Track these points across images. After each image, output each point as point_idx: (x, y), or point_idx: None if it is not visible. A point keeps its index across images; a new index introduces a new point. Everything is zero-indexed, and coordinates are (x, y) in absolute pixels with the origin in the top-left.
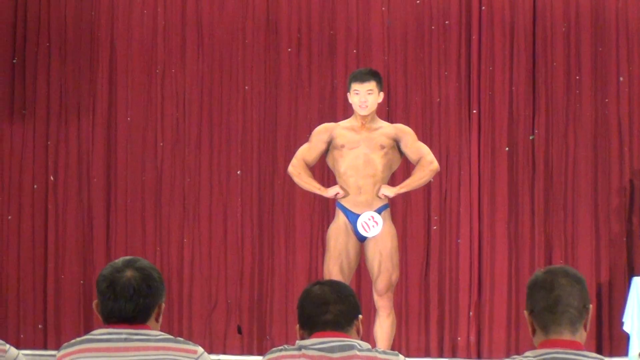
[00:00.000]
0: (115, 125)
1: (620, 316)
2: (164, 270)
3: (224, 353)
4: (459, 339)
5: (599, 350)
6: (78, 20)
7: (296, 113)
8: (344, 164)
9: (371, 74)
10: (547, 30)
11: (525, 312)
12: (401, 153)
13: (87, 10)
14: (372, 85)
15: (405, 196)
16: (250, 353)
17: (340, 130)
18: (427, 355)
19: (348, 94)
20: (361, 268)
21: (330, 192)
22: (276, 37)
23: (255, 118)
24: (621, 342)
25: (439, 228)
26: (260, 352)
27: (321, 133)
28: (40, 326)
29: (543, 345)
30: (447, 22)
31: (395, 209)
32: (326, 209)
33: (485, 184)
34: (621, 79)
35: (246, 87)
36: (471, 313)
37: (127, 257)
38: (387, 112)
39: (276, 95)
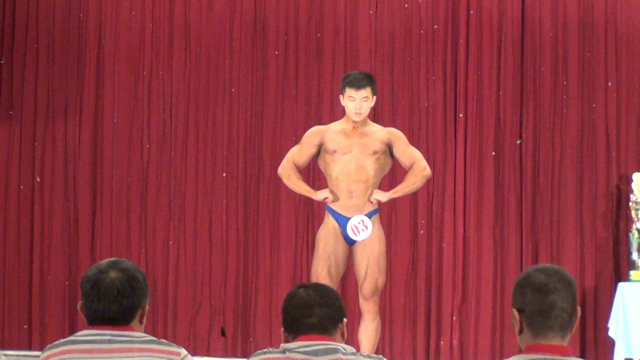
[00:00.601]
0: (101, 127)
1: (606, 321)
2: (148, 271)
3: (208, 355)
4: (441, 343)
5: (584, 356)
6: (66, 21)
7: (282, 115)
8: (336, 168)
9: (367, 80)
10: (535, 35)
11: (514, 310)
12: (393, 157)
13: (74, 11)
14: (367, 92)
15: (392, 200)
16: (234, 355)
17: (332, 134)
18: (414, 359)
19: (341, 96)
20: (346, 271)
21: (319, 196)
22: (263, 39)
23: (241, 120)
24: (606, 348)
25: (425, 232)
26: (244, 355)
27: (312, 136)
28: (25, 326)
29: (530, 349)
30: (435, 26)
31: (382, 213)
32: (311, 211)
33: (472, 188)
34: (609, 84)
35: (233, 89)
36: (454, 317)
37: (112, 259)
38: (373, 115)
39: (262, 97)
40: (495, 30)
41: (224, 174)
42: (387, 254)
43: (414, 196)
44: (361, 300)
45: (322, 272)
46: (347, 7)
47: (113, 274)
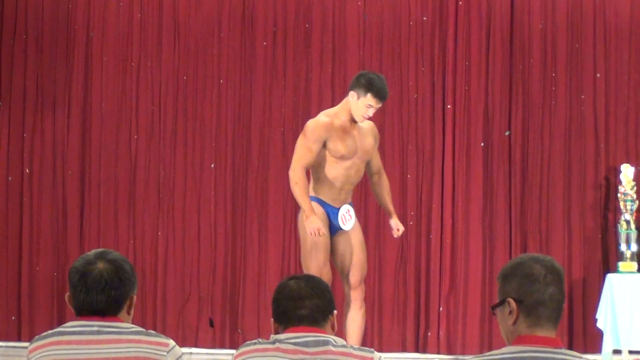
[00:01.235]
0: (90, 118)
1: (594, 313)
2: (137, 262)
3: (196, 346)
4: (429, 334)
5: (571, 347)
6: (54, 12)
7: (270, 107)
8: (335, 170)
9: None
10: (524, 26)
11: (509, 300)
12: None
13: (63, 2)
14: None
15: None
16: (222, 346)
17: (336, 132)
18: (403, 350)
19: (354, 94)
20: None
21: (313, 225)
22: (252, 30)
23: (229, 111)
24: (595, 339)
25: (414, 223)
26: (232, 346)
27: (320, 133)
28: (13, 318)
29: (519, 341)
30: (424, 17)
31: (371, 204)
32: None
33: (460, 179)
34: (598, 75)
35: (221, 81)
36: (441, 308)
37: (99, 250)
38: None
39: (251, 88)
40: (484, 21)
41: (212, 165)
42: (376, 245)
43: (402, 187)
44: (348, 290)
45: (326, 265)
46: None
47: (101, 265)
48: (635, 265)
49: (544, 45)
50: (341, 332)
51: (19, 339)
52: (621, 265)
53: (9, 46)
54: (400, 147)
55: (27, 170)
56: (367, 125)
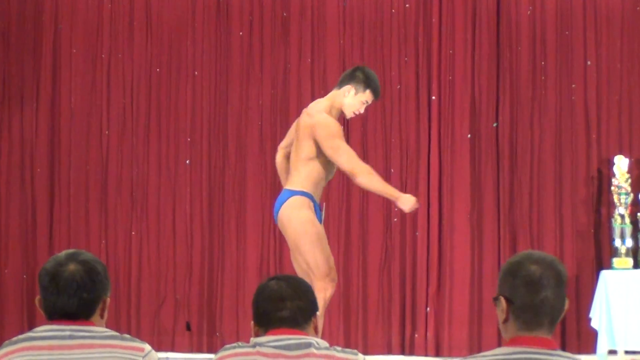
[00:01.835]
0: (59, 114)
1: (588, 311)
2: (109, 264)
3: (173, 351)
4: (416, 335)
5: (565, 348)
6: (21, 3)
7: (247, 100)
8: (325, 168)
9: None
10: (512, 13)
11: (502, 298)
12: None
13: None
14: None
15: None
16: (200, 350)
17: None
18: (389, 352)
19: (351, 88)
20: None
21: (411, 201)
22: (227, 20)
23: (205, 105)
24: (589, 339)
25: (399, 220)
26: (210, 350)
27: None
28: None
29: (514, 342)
30: (407, 5)
31: (354, 200)
32: None
33: (447, 173)
34: (589, 62)
35: (195, 73)
36: (428, 309)
37: (71, 250)
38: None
39: (227, 81)
40: (470, 8)
41: (187, 161)
42: (359, 242)
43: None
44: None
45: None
46: None
47: (72, 267)
48: (630, 261)
49: (533, 33)
50: (325, 334)
51: None
52: (616, 261)
53: None
54: (383, 141)
55: None
56: None
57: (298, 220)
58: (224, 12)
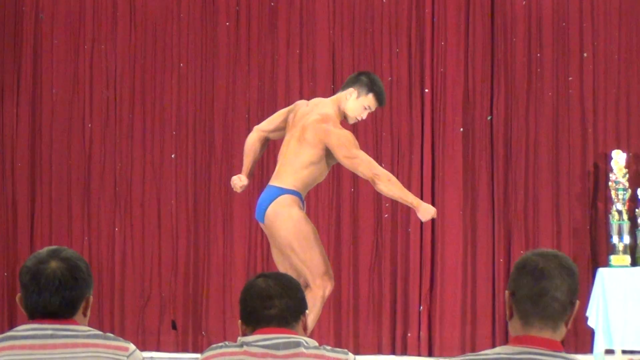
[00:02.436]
0: (40, 106)
1: (584, 310)
2: (92, 261)
3: (158, 350)
4: (409, 334)
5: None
6: None
7: (234, 92)
8: (323, 172)
9: None
10: (506, 3)
11: (507, 292)
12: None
13: None
14: None
15: (354, 183)
16: (185, 350)
17: None
18: (380, 352)
19: (354, 92)
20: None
21: (431, 210)
22: (213, 9)
23: (190, 97)
24: (586, 338)
25: (390, 216)
26: (196, 349)
27: None
28: None
29: (517, 341)
30: None
31: (344, 195)
32: None
33: (439, 168)
34: (585, 55)
35: (181, 64)
36: (421, 307)
37: (52, 247)
38: (332, 90)
39: (213, 73)
40: None
41: (172, 156)
42: (349, 239)
43: None
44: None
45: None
46: None
47: (54, 264)
48: (628, 258)
49: (528, 24)
50: (314, 334)
51: None
52: (613, 258)
53: None
54: (373, 135)
55: None
56: None
57: (291, 219)
58: (210, 2)
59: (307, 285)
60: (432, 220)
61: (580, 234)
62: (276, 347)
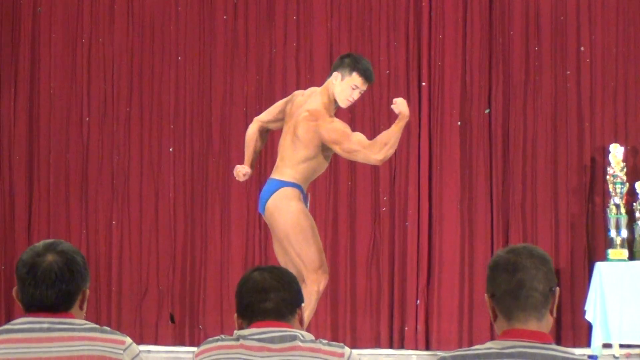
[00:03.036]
0: (38, 100)
1: (582, 304)
2: (90, 254)
3: (155, 343)
4: (406, 328)
5: (560, 341)
6: None
7: (232, 85)
8: (322, 162)
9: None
10: None
11: (486, 296)
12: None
13: None
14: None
15: (352, 175)
16: (182, 343)
17: None
18: (377, 346)
19: (338, 75)
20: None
21: (404, 106)
22: (211, 3)
23: (188, 91)
24: (583, 332)
25: (388, 210)
26: (193, 343)
27: None
28: None
29: (506, 335)
30: None
31: (342, 188)
32: None
33: (437, 161)
34: (582, 48)
35: (179, 58)
36: (418, 301)
37: (49, 240)
38: None
39: (211, 65)
40: None
41: (170, 149)
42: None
43: (375, 170)
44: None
45: (322, 252)
46: None
47: (50, 257)
48: (625, 252)
49: (526, 17)
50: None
51: None
52: (611, 252)
53: None
54: (371, 128)
55: None
56: None
57: (290, 212)
58: None
59: (302, 280)
60: (430, 214)
61: (577, 228)
62: (272, 340)
